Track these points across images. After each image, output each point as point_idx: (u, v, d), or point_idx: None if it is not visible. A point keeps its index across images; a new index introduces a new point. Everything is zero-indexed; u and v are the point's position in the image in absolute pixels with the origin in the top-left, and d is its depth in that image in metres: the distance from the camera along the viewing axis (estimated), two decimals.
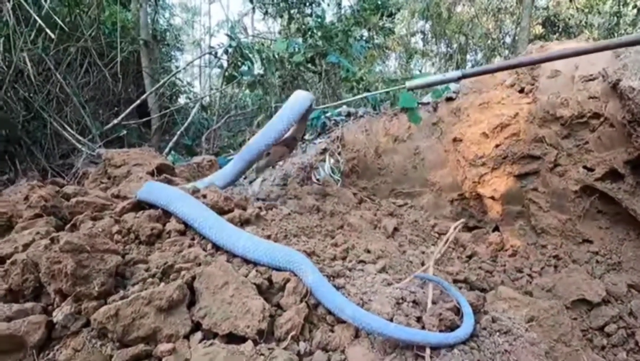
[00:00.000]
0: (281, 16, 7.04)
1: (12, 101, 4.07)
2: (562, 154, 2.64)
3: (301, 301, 1.17)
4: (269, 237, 1.53)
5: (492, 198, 2.97)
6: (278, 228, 1.66)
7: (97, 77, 5.38)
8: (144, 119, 5.84)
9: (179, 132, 5.21)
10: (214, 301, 1.09)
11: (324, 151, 3.40)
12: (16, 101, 4.14)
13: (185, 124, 5.35)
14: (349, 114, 3.96)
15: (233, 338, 1.05)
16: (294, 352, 1.04)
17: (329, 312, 1.18)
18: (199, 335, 1.05)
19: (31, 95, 4.27)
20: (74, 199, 1.57)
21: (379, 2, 7.12)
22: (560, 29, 11.02)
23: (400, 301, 1.24)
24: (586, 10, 10.73)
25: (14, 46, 3.74)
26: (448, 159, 3.21)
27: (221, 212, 1.57)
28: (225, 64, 5.10)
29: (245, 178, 3.54)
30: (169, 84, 6.49)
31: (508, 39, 12.81)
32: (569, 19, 11.13)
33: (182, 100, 7.63)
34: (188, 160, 3.44)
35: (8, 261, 1.17)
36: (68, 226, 1.44)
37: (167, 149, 4.83)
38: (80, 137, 4.18)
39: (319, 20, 5.92)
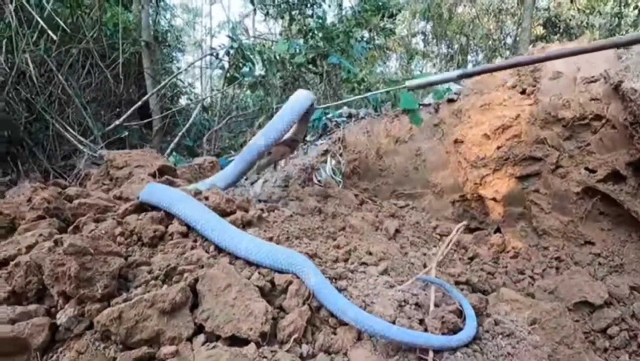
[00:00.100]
0: (282, 17, 7.05)
1: (15, 102, 4.09)
2: (564, 156, 2.63)
3: (304, 303, 1.17)
4: (271, 239, 1.53)
5: (494, 199, 2.97)
6: (280, 229, 1.66)
7: (98, 79, 5.39)
8: (146, 120, 5.85)
9: (180, 134, 5.22)
10: (217, 303, 1.10)
11: (326, 152, 3.40)
12: (18, 103, 4.15)
13: (187, 125, 5.35)
14: (350, 116, 3.96)
15: (236, 341, 1.05)
16: (297, 355, 1.04)
17: (332, 314, 1.18)
18: (201, 337, 1.05)
19: (33, 96, 4.28)
20: (77, 201, 1.58)
21: (380, 3, 7.13)
22: (561, 30, 11.02)
23: (403, 303, 1.24)
24: (587, 11, 10.73)
25: (16, 48, 3.76)
26: (449, 161, 3.21)
27: (223, 214, 1.58)
28: (226, 65, 5.10)
29: (246, 179, 3.54)
30: (170, 85, 6.50)
31: (509, 40, 12.81)
32: (570, 20, 11.12)
33: (183, 101, 7.65)
34: (189, 161, 3.45)
35: (12, 263, 1.17)
36: (71, 228, 1.45)
37: (168, 150, 4.84)
38: (82, 139, 4.18)
39: (320, 21, 5.93)
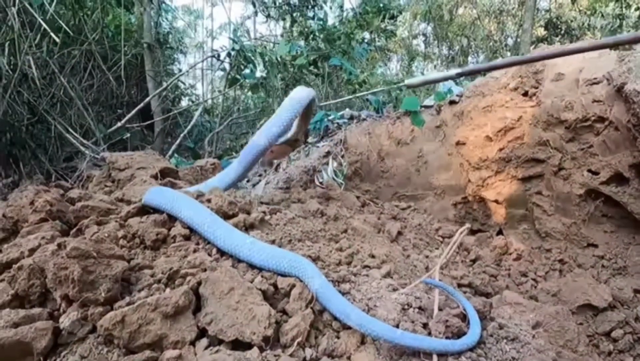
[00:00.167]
0: (283, 19, 7.07)
1: (17, 104, 4.09)
2: (567, 158, 2.63)
3: (307, 307, 1.17)
4: (273, 242, 1.53)
5: (496, 201, 2.96)
6: (282, 232, 1.66)
7: (100, 81, 5.41)
8: (147, 122, 5.86)
9: (181, 135, 5.23)
10: (220, 307, 1.09)
11: (327, 154, 3.40)
12: (21, 104, 4.16)
13: (189, 127, 5.36)
14: (352, 117, 3.96)
15: (239, 345, 1.04)
16: (300, 359, 1.04)
17: (335, 318, 1.17)
18: (204, 341, 1.05)
19: (35, 98, 4.29)
20: (79, 203, 1.58)
21: (381, 5, 7.15)
22: (562, 32, 11.01)
23: (406, 307, 1.23)
24: (589, 12, 10.72)
25: (18, 50, 3.77)
26: (451, 163, 3.20)
27: (226, 216, 1.58)
28: (227, 67, 5.11)
29: (248, 181, 3.54)
30: (172, 86, 6.51)
31: (510, 41, 12.81)
32: (572, 21, 11.12)
33: (184, 103, 7.66)
34: (191, 163, 3.45)
35: (15, 266, 1.17)
36: (73, 230, 1.45)
37: (170, 152, 4.85)
38: (84, 141, 4.19)
39: (321, 23, 5.94)
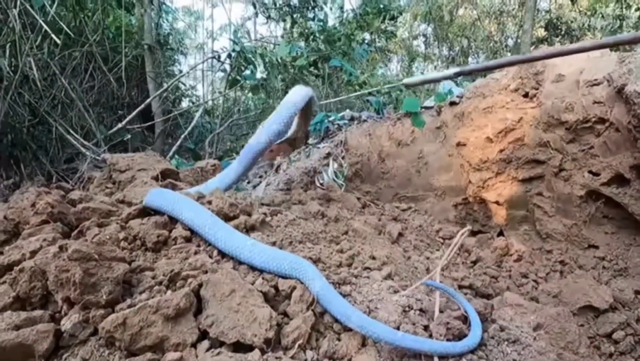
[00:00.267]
0: (284, 20, 7.08)
1: (18, 106, 4.10)
2: (567, 159, 2.63)
3: (308, 309, 1.17)
4: (274, 243, 1.53)
5: (497, 202, 2.96)
6: (283, 234, 1.66)
7: (101, 82, 5.42)
8: (148, 123, 5.87)
9: (182, 136, 5.23)
10: (221, 309, 1.09)
11: (328, 155, 3.40)
12: (22, 106, 4.17)
13: (189, 128, 5.37)
14: (352, 118, 3.96)
15: (240, 347, 1.04)
16: None
17: (336, 320, 1.17)
18: (206, 343, 1.05)
19: (36, 100, 4.30)
20: (80, 205, 1.58)
21: (382, 6, 7.16)
22: (562, 32, 11.02)
23: (407, 309, 1.23)
24: (589, 13, 10.73)
25: (19, 51, 3.78)
26: (452, 164, 3.20)
27: (226, 218, 1.58)
28: (228, 68, 5.12)
29: (248, 183, 3.55)
30: (172, 88, 6.52)
31: (510, 42, 12.82)
32: (572, 22, 11.12)
33: (185, 104, 7.67)
34: (191, 164, 3.45)
35: (16, 268, 1.17)
36: (75, 232, 1.45)
37: (170, 153, 4.85)
38: (84, 142, 4.20)
39: (322, 24, 5.95)
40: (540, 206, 2.76)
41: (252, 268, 1.33)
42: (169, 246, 1.42)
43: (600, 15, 10.53)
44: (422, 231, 2.54)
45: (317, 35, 5.77)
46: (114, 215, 1.58)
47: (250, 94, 6.46)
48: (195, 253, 1.38)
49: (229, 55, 4.96)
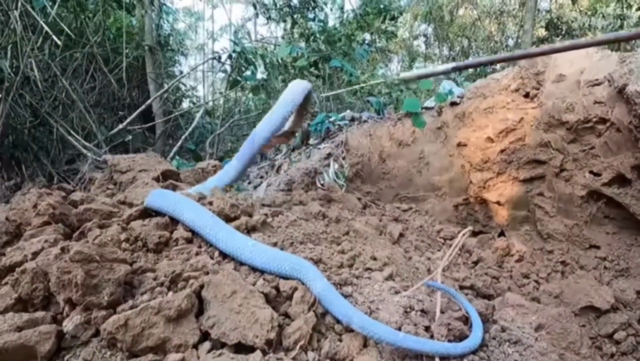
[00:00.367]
0: (284, 21, 7.08)
1: (19, 107, 4.11)
2: (568, 159, 2.62)
3: (309, 310, 1.17)
4: (275, 244, 1.53)
5: (498, 202, 2.96)
6: (284, 234, 1.66)
7: (102, 83, 5.42)
8: (149, 124, 5.88)
9: (183, 137, 5.23)
10: (223, 310, 1.09)
11: (328, 156, 3.40)
12: (23, 107, 4.18)
13: (190, 129, 5.37)
14: (353, 119, 3.96)
15: (241, 348, 1.04)
16: None
17: (337, 321, 1.17)
18: (207, 344, 1.05)
19: (37, 101, 4.31)
20: (82, 206, 1.58)
21: (382, 6, 7.15)
22: (563, 32, 11.00)
23: (408, 309, 1.23)
24: (589, 13, 10.71)
25: (21, 53, 3.78)
26: (453, 164, 3.20)
27: (228, 219, 1.58)
28: (228, 69, 5.12)
29: (249, 183, 3.55)
30: (173, 88, 6.53)
31: (511, 42, 12.81)
32: (572, 21, 11.11)
33: (186, 105, 7.67)
34: (192, 165, 3.45)
35: (18, 270, 1.18)
36: (76, 233, 1.45)
37: (171, 154, 4.86)
38: (85, 143, 4.20)
39: (322, 24, 5.95)
40: (541, 206, 2.76)
41: (253, 269, 1.33)
42: (170, 247, 1.42)
43: (601, 15, 10.52)
44: (423, 231, 2.54)
45: (318, 35, 5.77)
46: (115, 216, 1.59)
47: (250, 95, 6.47)
48: (197, 254, 1.38)
49: (230, 56, 4.97)
